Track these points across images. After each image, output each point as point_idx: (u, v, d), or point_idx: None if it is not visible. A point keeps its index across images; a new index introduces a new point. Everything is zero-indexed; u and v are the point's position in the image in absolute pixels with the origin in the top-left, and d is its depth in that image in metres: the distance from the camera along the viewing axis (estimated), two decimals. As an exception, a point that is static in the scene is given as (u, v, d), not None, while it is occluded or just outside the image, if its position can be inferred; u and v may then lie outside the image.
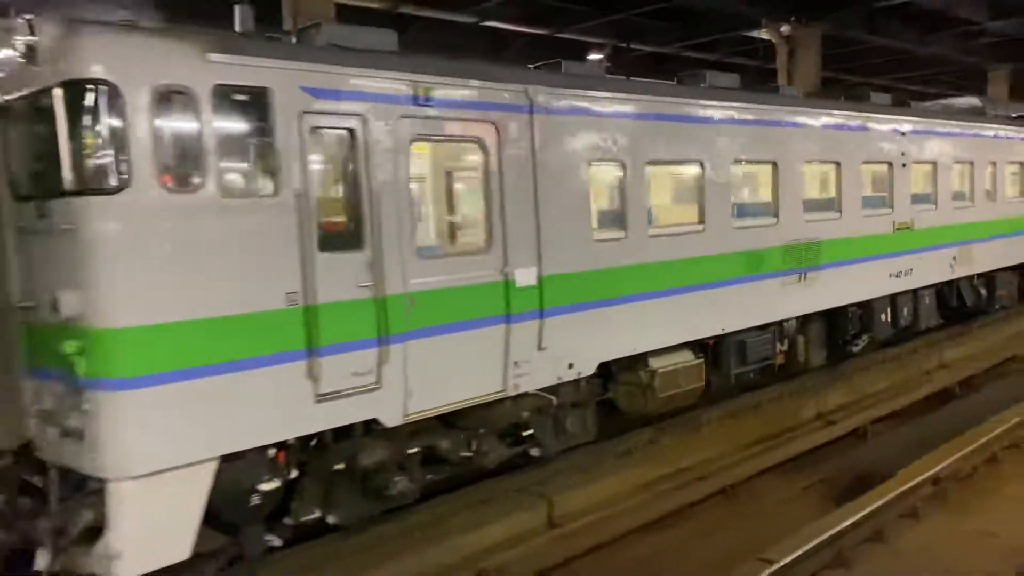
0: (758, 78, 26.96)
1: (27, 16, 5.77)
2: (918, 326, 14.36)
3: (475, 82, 7.72)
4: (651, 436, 9.98)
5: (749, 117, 10.66)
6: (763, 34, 21.98)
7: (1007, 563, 6.47)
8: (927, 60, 29.09)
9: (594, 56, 23.96)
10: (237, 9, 6.78)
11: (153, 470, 5.77)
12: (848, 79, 30.58)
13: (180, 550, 6.00)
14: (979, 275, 15.93)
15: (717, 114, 10.16)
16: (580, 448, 9.18)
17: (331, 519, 7.19)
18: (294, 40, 7.36)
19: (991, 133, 16.17)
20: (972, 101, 17.59)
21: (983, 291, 16.38)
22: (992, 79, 30.45)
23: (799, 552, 6.67)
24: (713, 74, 10.99)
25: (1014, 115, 17.85)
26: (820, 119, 11.88)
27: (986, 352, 14.80)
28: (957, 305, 15.58)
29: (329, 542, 7.27)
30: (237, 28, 6.78)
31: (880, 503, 7.63)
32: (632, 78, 12.58)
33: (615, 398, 9.80)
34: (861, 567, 6.94)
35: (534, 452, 8.75)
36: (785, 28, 20.89)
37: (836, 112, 12.28)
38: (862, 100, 13.69)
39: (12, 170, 6.36)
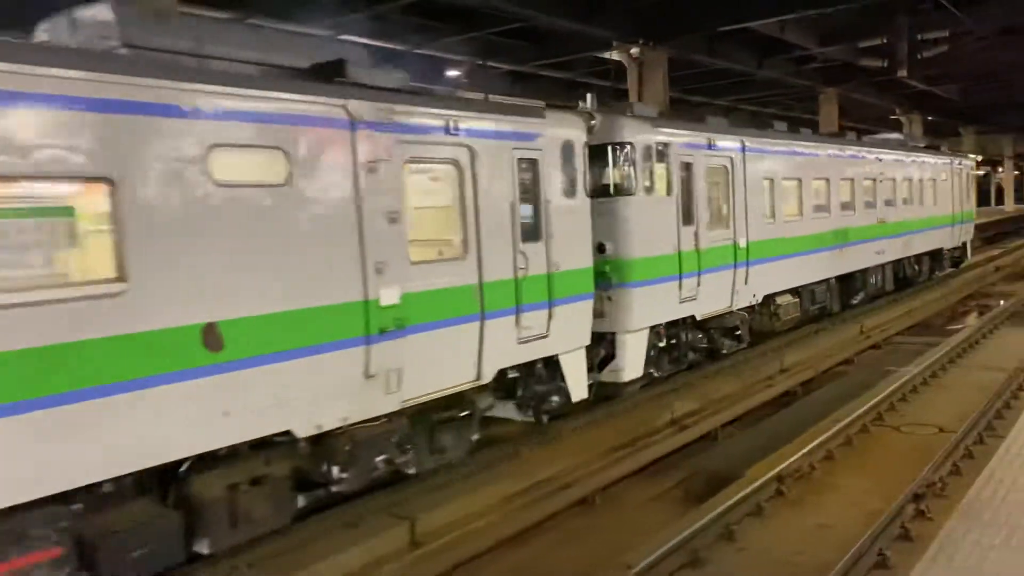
0: (613, 96, 28.06)
1: (592, 110, 11.73)
2: (885, 288, 21.26)
3: (727, 135, 14.10)
4: (513, 449, 10.06)
5: (816, 151, 17.55)
6: (615, 55, 22.78)
7: (840, 552, 6.92)
8: (764, 83, 31.03)
9: (452, 72, 24.15)
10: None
11: (635, 328, 11.75)
12: (693, 99, 32.19)
13: (639, 370, 11.96)
14: (914, 256, 23.06)
15: (805, 149, 17.05)
16: (443, 466, 9.19)
17: (656, 373, 12.65)
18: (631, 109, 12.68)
19: (922, 159, 23.65)
20: (896, 136, 25.70)
21: (916, 267, 23.69)
22: (822, 101, 32.78)
23: (655, 555, 6.91)
24: (780, 123, 17.48)
25: (923, 145, 25.65)
26: (846, 151, 19.07)
27: (821, 356, 15.75)
28: (901, 276, 22.56)
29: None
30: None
31: (729, 503, 8.02)
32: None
33: (752, 321, 15.24)
34: (713, 566, 7.24)
35: (724, 351, 14.39)
36: (635, 50, 21.73)
37: (851, 146, 19.65)
38: (858, 137, 21.40)
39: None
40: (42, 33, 6.81)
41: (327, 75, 7.57)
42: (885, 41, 24.11)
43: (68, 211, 5.87)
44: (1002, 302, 21.57)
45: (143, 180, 6.01)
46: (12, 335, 5.31)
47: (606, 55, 23.41)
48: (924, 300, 21.89)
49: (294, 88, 7.12)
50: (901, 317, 19.77)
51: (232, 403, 6.50)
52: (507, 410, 10.02)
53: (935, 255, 24.86)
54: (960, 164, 26.75)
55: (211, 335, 6.33)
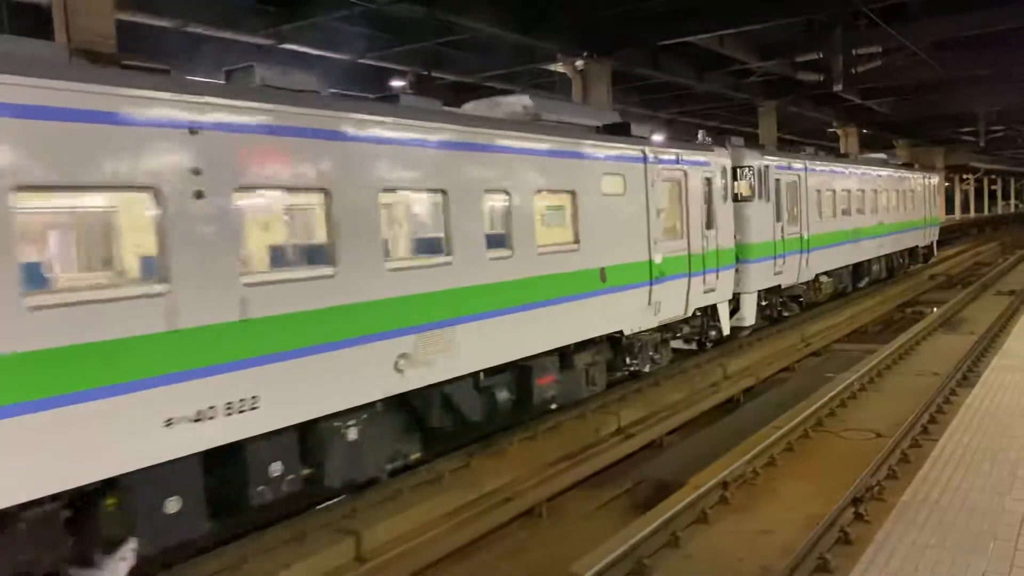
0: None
1: (714, 145, 15.46)
2: (881, 275, 26.88)
3: (797, 159, 19.88)
4: (461, 461, 9.99)
5: (844, 169, 23.17)
6: (560, 68, 22.95)
7: (782, 557, 7.02)
8: (705, 96, 31.58)
9: (396, 83, 24.04)
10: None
11: (752, 290, 16.91)
12: (637, 112, 32.56)
13: (754, 319, 16.98)
14: (899, 251, 28.62)
15: (837, 167, 22.64)
16: (388, 478, 9.09)
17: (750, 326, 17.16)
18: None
19: (904, 174, 29.80)
20: (882, 155, 31.13)
21: (901, 260, 29.29)
22: (762, 113, 33.52)
23: (600, 565, 6.90)
24: (810, 150, 23.00)
25: (900, 162, 32.18)
26: (860, 168, 24.86)
27: (763, 364, 16.07)
28: (890, 267, 27.90)
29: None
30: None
31: (673, 511, 8.05)
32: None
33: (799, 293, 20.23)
34: (658, 574, 7.28)
35: (786, 313, 19.57)
36: (579, 63, 21.95)
37: (862, 165, 25.72)
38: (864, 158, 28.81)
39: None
40: (470, 108, 11.72)
41: (622, 131, 12.74)
42: (821, 56, 24.77)
43: (561, 208, 11.25)
44: (934, 309, 22.24)
45: (582, 193, 11.20)
46: (545, 267, 10.48)
47: (551, 67, 23.57)
48: (861, 308, 22.46)
49: (627, 141, 12.56)
50: (840, 325, 20.25)
51: (607, 312, 11.75)
52: (675, 343, 14.75)
53: (912, 251, 30.89)
54: (929, 178, 32.83)
55: (603, 273, 11.55)
